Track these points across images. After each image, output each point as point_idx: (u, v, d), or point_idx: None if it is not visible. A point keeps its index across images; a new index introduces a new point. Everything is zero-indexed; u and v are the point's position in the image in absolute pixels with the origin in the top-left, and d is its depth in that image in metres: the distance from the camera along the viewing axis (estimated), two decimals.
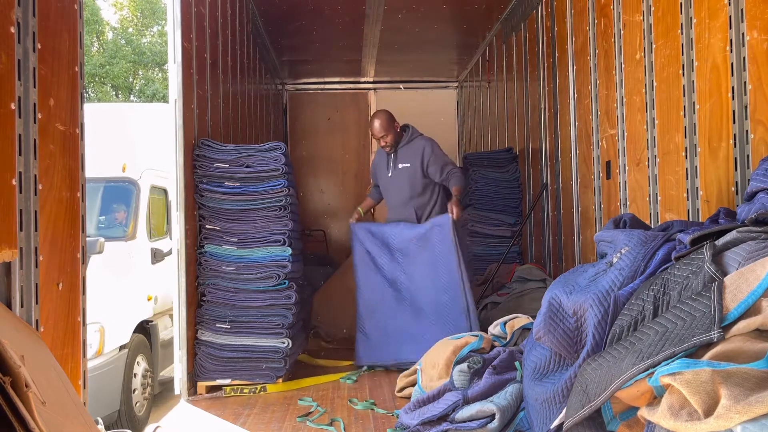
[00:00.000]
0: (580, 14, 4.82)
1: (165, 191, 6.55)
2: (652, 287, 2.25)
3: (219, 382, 4.42)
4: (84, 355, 2.78)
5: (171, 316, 5.32)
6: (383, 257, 5.11)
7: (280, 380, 4.47)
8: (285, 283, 4.44)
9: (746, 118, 2.83)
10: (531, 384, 2.83)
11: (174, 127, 4.26)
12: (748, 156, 2.83)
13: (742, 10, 2.84)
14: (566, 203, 5.27)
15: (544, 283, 5.31)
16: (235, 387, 4.38)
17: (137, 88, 23.62)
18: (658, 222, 3.65)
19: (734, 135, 2.89)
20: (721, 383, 1.55)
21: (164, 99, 20.01)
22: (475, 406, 3.20)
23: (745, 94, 2.82)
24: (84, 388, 2.78)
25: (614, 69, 4.20)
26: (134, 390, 5.54)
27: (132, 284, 5.77)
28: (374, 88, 10.06)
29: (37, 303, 2.39)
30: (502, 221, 6.54)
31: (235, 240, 4.47)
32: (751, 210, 2.21)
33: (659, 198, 3.66)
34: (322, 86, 10.10)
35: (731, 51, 2.89)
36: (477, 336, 3.86)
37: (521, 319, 3.99)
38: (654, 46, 3.65)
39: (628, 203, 4.08)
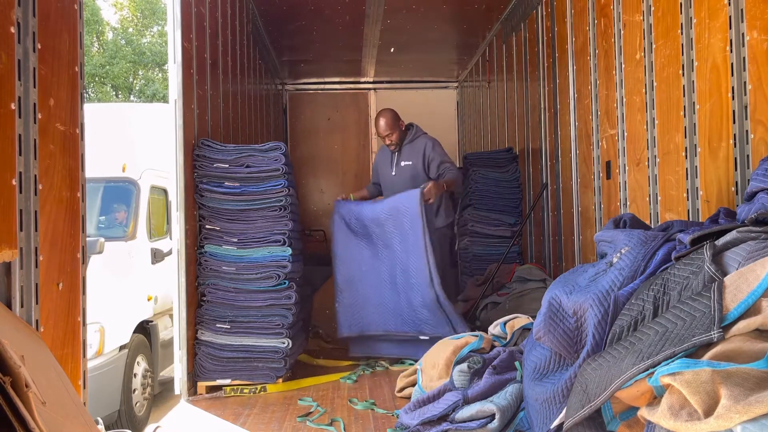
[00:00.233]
0: (580, 14, 4.82)
1: (165, 191, 6.55)
2: (652, 287, 2.25)
3: (219, 382, 4.42)
4: (84, 355, 2.78)
5: (171, 316, 5.32)
6: (360, 230, 5.13)
7: (280, 380, 4.47)
8: (285, 283, 4.44)
9: (746, 118, 2.83)
10: (531, 384, 2.83)
11: (174, 127, 4.26)
12: (748, 156, 2.83)
13: (742, 10, 2.84)
14: (566, 203, 5.27)
15: (544, 283, 5.31)
16: (235, 387, 4.39)
17: (137, 88, 23.62)
18: (658, 222, 3.65)
19: (734, 135, 2.89)
20: (721, 383, 1.55)
21: (164, 99, 20.01)
22: (475, 406, 3.20)
23: (745, 94, 2.82)
24: (84, 388, 2.78)
25: (614, 69, 4.20)
26: (134, 390, 5.54)
27: (132, 284, 5.77)
28: (374, 88, 10.06)
29: (37, 303, 2.39)
30: (502, 221, 6.54)
31: (235, 240, 4.47)
32: (751, 210, 2.21)
33: (659, 198, 3.66)
34: (322, 86, 10.09)
35: (731, 51, 2.89)
36: (477, 336, 3.87)
37: (521, 319, 3.99)
38: (654, 46, 3.65)
39: (628, 203, 4.08)
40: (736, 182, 2.89)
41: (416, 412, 3.38)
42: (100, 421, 3.32)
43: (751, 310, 1.76)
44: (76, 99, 2.78)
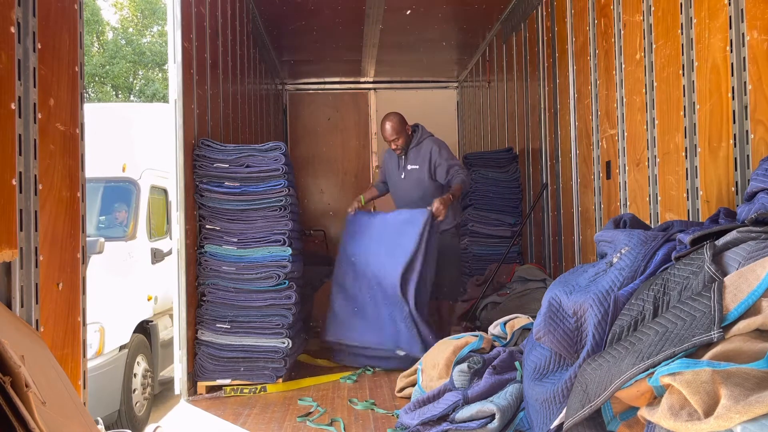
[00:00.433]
0: (580, 14, 4.82)
1: (165, 191, 6.54)
2: (652, 287, 2.25)
3: (219, 382, 4.42)
4: (84, 355, 2.78)
5: (171, 316, 5.32)
6: (364, 244, 5.12)
7: (280, 380, 4.47)
8: (285, 283, 4.44)
9: (746, 118, 2.83)
10: (531, 384, 2.83)
11: (174, 127, 4.26)
12: (748, 156, 2.83)
13: (742, 10, 2.84)
14: (566, 203, 5.27)
15: (544, 283, 5.31)
16: (235, 387, 4.38)
17: (137, 88, 23.62)
18: (658, 222, 3.65)
19: (734, 135, 2.89)
20: (721, 383, 1.55)
21: (164, 99, 20.00)
22: (475, 406, 3.20)
23: (745, 94, 2.82)
24: (84, 388, 2.78)
25: (614, 69, 4.20)
26: (134, 390, 5.54)
27: (132, 284, 5.77)
28: (374, 88, 10.06)
29: (37, 303, 2.39)
30: (502, 221, 6.54)
31: (235, 240, 4.47)
32: (751, 210, 2.21)
33: (659, 198, 3.66)
34: (322, 86, 10.09)
35: (731, 51, 2.89)
36: (477, 336, 3.86)
37: (521, 319, 3.99)
38: (654, 46, 3.65)
39: (628, 203, 4.08)
40: (736, 182, 2.89)
41: (416, 412, 3.38)
42: (100, 421, 3.32)
43: (752, 310, 1.76)
44: (76, 99, 2.78)
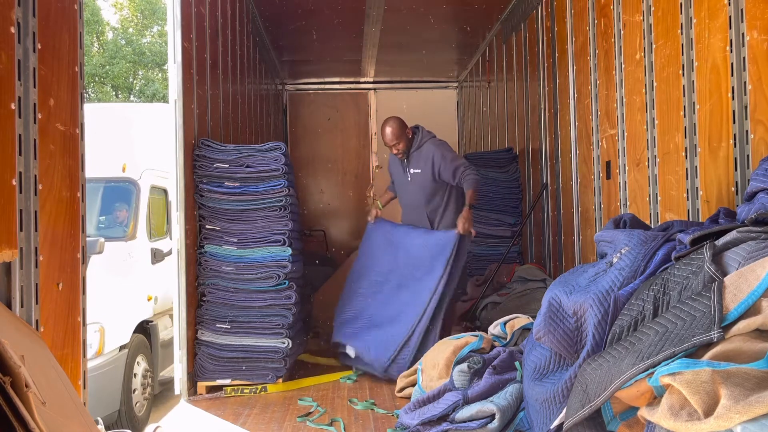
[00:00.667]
0: (580, 14, 4.82)
1: (165, 191, 6.54)
2: (652, 287, 2.25)
3: (219, 382, 4.42)
4: (84, 355, 2.78)
5: (171, 316, 5.32)
6: (386, 254, 5.15)
7: (280, 380, 4.47)
8: (285, 283, 4.44)
9: (746, 118, 2.83)
10: (531, 384, 2.83)
11: (174, 127, 4.26)
12: (748, 156, 2.83)
13: (742, 10, 2.84)
14: (566, 203, 5.27)
15: (544, 283, 5.31)
16: (235, 387, 4.39)
17: (137, 88, 23.61)
18: (658, 222, 3.65)
19: (734, 135, 2.89)
20: (721, 383, 1.55)
21: (164, 99, 20.00)
22: (475, 406, 3.20)
23: (745, 94, 2.82)
24: (84, 388, 2.78)
25: (614, 69, 4.20)
26: (134, 390, 5.54)
27: (132, 284, 5.77)
28: (374, 88, 10.06)
29: (37, 303, 2.39)
30: (502, 221, 6.54)
31: (235, 240, 4.47)
32: (751, 210, 2.21)
33: (659, 198, 3.66)
34: (322, 86, 10.10)
35: (731, 51, 2.89)
36: (477, 336, 3.86)
37: (521, 319, 3.99)
38: (654, 46, 3.65)
39: (628, 203, 4.08)
40: (736, 182, 2.89)
41: (416, 412, 3.38)
42: (100, 421, 3.32)
43: (751, 310, 1.76)
44: (76, 99, 2.78)
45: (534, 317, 3.24)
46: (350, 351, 4.84)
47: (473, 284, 6.09)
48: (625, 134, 4.08)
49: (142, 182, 6.13)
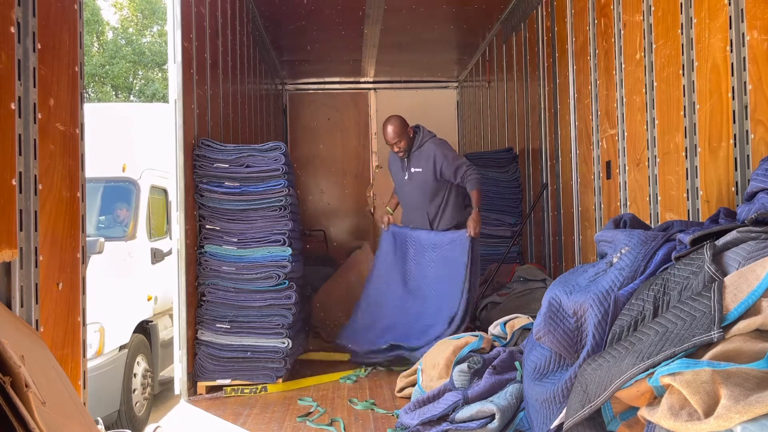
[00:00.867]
0: (580, 14, 4.82)
1: (165, 191, 6.54)
2: (652, 287, 2.25)
3: (219, 382, 4.42)
4: (84, 355, 2.78)
5: (171, 316, 5.32)
6: (398, 261, 5.27)
7: (280, 380, 4.47)
8: (285, 283, 4.44)
9: (746, 118, 2.83)
10: (531, 384, 2.83)
11: (174, 127, 4.26)
12: (748, 156, 2.83)
13: (742, 10, 2.84)
14: (566, 203, 5.27)
15: (544, 283, 5.31)
16: (235, 387, 4.38)
17: (137, 88, 23.61)
18: (658, 222, 3.65)
19: (734, 135, 2.89)
20: (721, 383, 1.55)
21: (164, 99, 20.00)
22: (475, 406, 3.20)
23: (745, 94, 2.82)
24: (84, 388, 2.78)
25: (614, 69, 4.20)
26: (134, 390, 5.54)
27: (132, 284, 5.77)
28: (374, 88, 10.06)
29: (37, 303, 2.39)
30: (502, 221, 6.54)
31: (235, 240, 4.47)
32: (751, 210, 2.21)
33: (659, 198, 3.66)
34: (322, 86, 10.09)
35: (731, 51, 2.89)
36: (477, 336, 3.86)
37: (521, 319, 3.99)
38: (654, 46, 3.65)
39: (628, 203, 4.08)
40: (736, 182, 2.89)
41: (416, 412, 3.38)
42: (100, 421, 3.32)
43: (752, 310, 1.76)
44: (76, 99, 2.78)
45: (534, 317, 3.24)
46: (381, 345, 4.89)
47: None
48: (625, 134, 4.08)
49: (142, 182, 6.13)
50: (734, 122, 2.89)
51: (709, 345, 1.76)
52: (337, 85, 10.09)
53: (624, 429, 2.02)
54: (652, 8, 3.65)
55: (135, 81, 23.75)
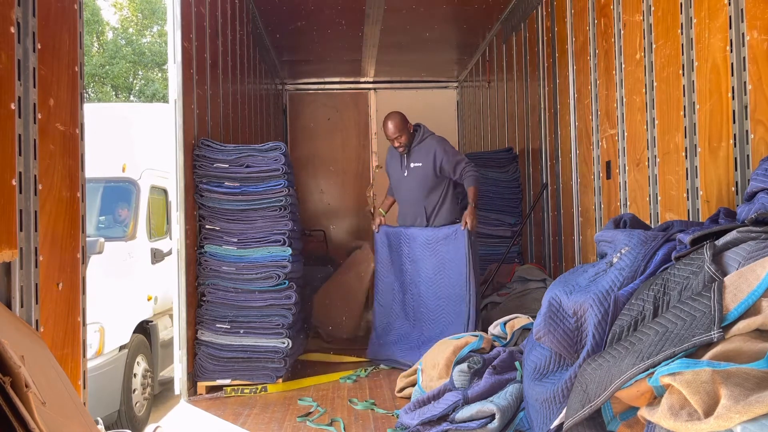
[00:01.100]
0: (580, 14, 4.82)
1: (165, 191, 6.54)
2: (652, 287, 2.25)
3: (219, 382, 4.42)
4: (84, 355, 2.78)
5: (171, 316, 5.32)
6: (397, 262, 5.29)
7: (280, 380, 4.47)
8: (285, 283, 4.44)
9: (746, 118, 2.83)
10: (531, 384, 2.83)
11: (174, 127, 4.26)
12: (748, 156, 2.83)
13: (742, 10, 2.84)
14: (566, 203, 5.27)
15: (544, 283, 5.31)
16: (235, 387, 4.38)
17: (137, 88, 23.61)
18: (658, 222, 3.65)
19: (734, 135, 2.89)
20: (721, 383, 1.55)
21: (164, 99, 19.99)
22: (475, 406, 3.20)
23: (745, 94, 2.82)
24: (84, 388, 2.78)
25: (614, 69, 4.20)
26: (134, 390, 5.54)
27: (132, 284, 5.77)
28: (374, 88, 10.06)
29: (37, 303, 2.39)
30: (502, 221, 6.54)
31: (235, 240, 4.47)
32: (751, 210, 2.21)
33: (659, 198, 3.66)
34: (322, 86, 10.09)
35: (731, 51, 2.89)
36: (477, 336, 3.86)
37: (521, 319, 3.99)
38: (654, 46, 3.65)
39: (628, 203, 4.08)
40: (736, 182, 2.89)
41: (416, 412, 3.38)
42: (100, 421, 3.32)
43: (752, 310, 1.76)
44: (76, 99, 2.78)
45: (534, 317, 3.24)
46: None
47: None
48: (625, 134, 4.08)
49: (142, 182, 6.13)
50: (734, 122, 2.89)
51: (709, 345, 1.76)
52: (337, 85, 10.09)
53: (624, 429, 2.02)
54: (652, 8, 3.65)
55: (135, 81, 23.75)
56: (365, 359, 5.26)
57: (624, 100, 4.09)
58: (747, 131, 2.82)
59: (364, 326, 6.44)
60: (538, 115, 5.97)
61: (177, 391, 4.31)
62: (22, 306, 2.31)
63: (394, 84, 10.04)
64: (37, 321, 2.39)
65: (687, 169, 3.32)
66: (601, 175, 4.51)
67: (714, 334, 1.74)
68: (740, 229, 2.12)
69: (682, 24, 3.33)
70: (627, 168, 4.08)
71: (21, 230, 2.29)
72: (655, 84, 3.66)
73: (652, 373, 1.78)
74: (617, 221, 3.06)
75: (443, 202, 5.21)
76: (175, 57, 4.27)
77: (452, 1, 6.90)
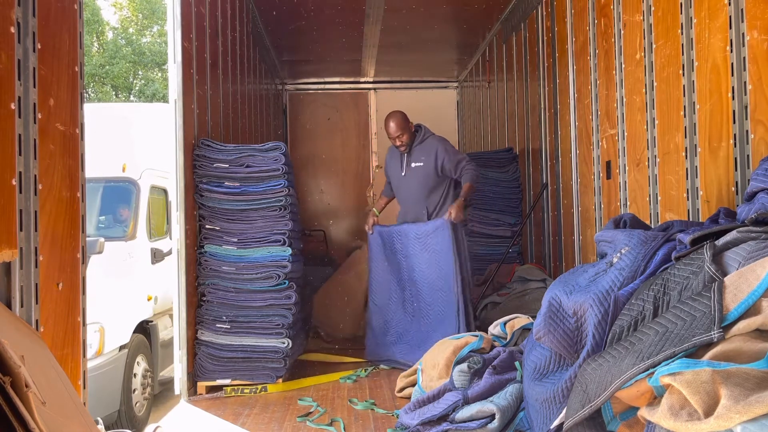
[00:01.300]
0: (580, 14, 4.82)
1: (165, 191, 6.54)
2: (652, 287, 2.25)
3: (219, 382, 4.42)
4: (84, 355, 2.78)
5: (171, 316, 5.32)
6: (390, 260, 5.29)
7: (280, 380, 4.47)
8: (285, 283, 4.44)
9: (746, 118, 2.83)
10: (531, 384, 2.83)
11: (174, 127, 4.26)
12: (748, 156, 2.83)
13: (742, 10, 2.84)
14: (566, 203, 5.27)
15: (544, 283, 5.31)
16: (235, 387, 4.39)
17: (137, 88, 23.61)
18: (658, 222, 3.65)
19: (734, 135, 2.89)
20: (721, 383, 1.55)
21: (164, 99, 19.99)
22: (475, 406, 3.20)
23: (745, 94, 2.82)
24: (84, 388, 2.78)
25: (614, 69, 4.20)
26: (134, 390, 5.54)
27: (132, 284, 5.77)
28: (374, 88, 10.06)
29: (37, 303, 2.39)
30: (502, 221, 6.54)
31: (235, 240, 4.47)
32: (751, 210, 2.21)
33: (659, 198, 3.66)
34: (322, 86, 10.09)
35: (731, 51, 2.89)
36: (477, 336, 3.86)
37: (521, 319, 3.99)
38: (654, 46, 3.65)
39: (628, 203, 4.07)
40: (736, 182, 2.89)
41: (416, 412, 3.38)
42: (100, 421, 3.32)
43: (752, 310, 1.76)
44: (76, 99, 2.78)
45: (534, 317, 3.24)
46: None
47: (473, 284, 6.08)
48: (625, 134, 4.08)
49: (142, 182, 6.13)
50: (734, 122, 2.89)
51: (709, 345, 1.76)
52: (337, 85, 10.09)
53: (624, 429, 2.02)
54: (652, 8, 3.65)
55: (135, 81, 23.75)
56: (365, 359, 5.27)
57: (624, 100, 4.09)
58: (747, 131, 2.82)
59: (364, 326, 6.44)
60: (538, 115, 5.97)
61: (177, 391, 4.31)
62: (22, 306, 2.31)
63: (394, 84, 10.03)
64: (37, 321, 2.39)
65: (687, 169, 3.32)
66: (601, 175, 4.51)
67: (714, 334, 1.74)
68: (740, 229, 2.12)
69: (682, 24, 3.33)
70: (627, 168, 4.08)
71: (21, 230, 2.29)
72: (655, 84, 3.66)
73: (652, 373, 1.78)
74: (617, 221, 3.06)
75: (444, 201, 5.21)
76: (175, 57, 4.27)
77: (452, 1, 6.90)
